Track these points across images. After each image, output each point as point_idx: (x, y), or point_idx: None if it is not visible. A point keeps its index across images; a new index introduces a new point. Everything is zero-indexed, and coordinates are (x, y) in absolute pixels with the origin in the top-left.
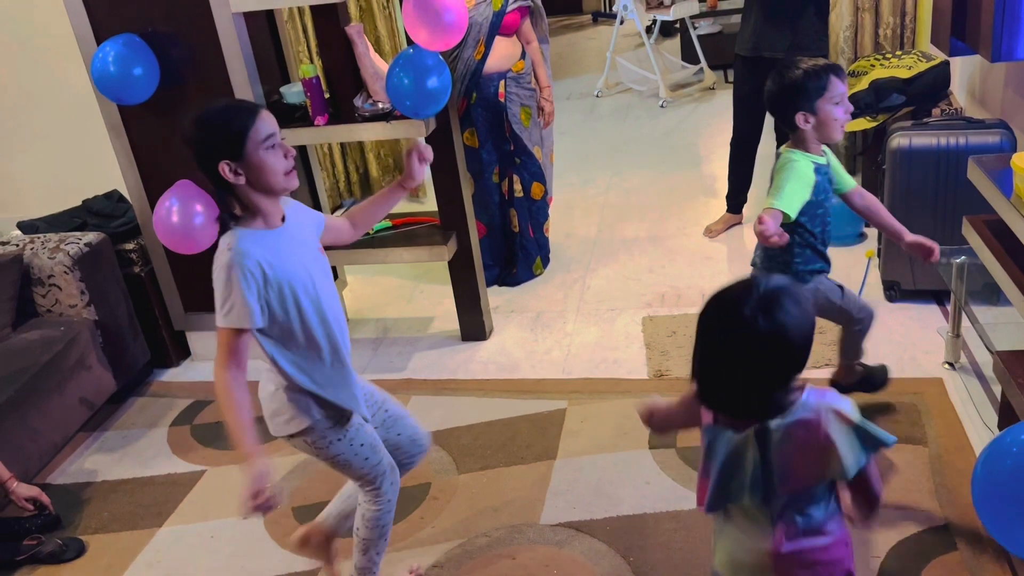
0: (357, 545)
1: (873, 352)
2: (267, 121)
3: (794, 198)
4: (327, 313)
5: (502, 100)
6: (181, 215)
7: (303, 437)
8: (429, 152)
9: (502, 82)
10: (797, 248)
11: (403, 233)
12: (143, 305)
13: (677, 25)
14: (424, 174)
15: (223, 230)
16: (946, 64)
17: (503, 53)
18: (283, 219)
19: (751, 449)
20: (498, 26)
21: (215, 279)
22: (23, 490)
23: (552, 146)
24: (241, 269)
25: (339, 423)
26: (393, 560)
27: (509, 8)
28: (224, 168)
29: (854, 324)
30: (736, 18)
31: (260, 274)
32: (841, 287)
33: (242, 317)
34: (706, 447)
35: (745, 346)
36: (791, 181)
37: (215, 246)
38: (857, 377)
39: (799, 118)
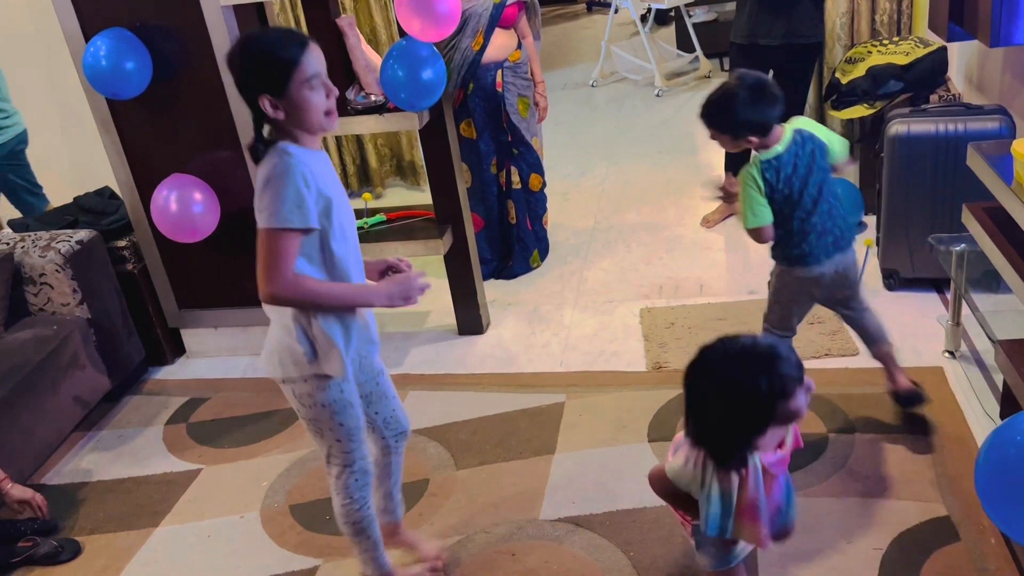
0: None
1: None
2: (315, 57)
3: None
4: (353, 246)
5: (499, 90)
6: (180, 203)
7: (309, 374)
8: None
9: (499, 72)
10: None
11: (398, 227)
12: (137, 302)
13: (672, 13)
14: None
15: (256, 158)
16: (944, 50)
17: (500, 44)
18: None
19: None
20: (498, 18)
21: (263, 183)
22: (17, 492)
23: (542, 140)
24: (298, 171)
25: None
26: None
27: (509, 1)
28: (264, 103)
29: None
30: (731, 6)
31: (314, 182)
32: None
33: (297, 216)
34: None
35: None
36: None
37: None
38: (908, 388)
39: None
